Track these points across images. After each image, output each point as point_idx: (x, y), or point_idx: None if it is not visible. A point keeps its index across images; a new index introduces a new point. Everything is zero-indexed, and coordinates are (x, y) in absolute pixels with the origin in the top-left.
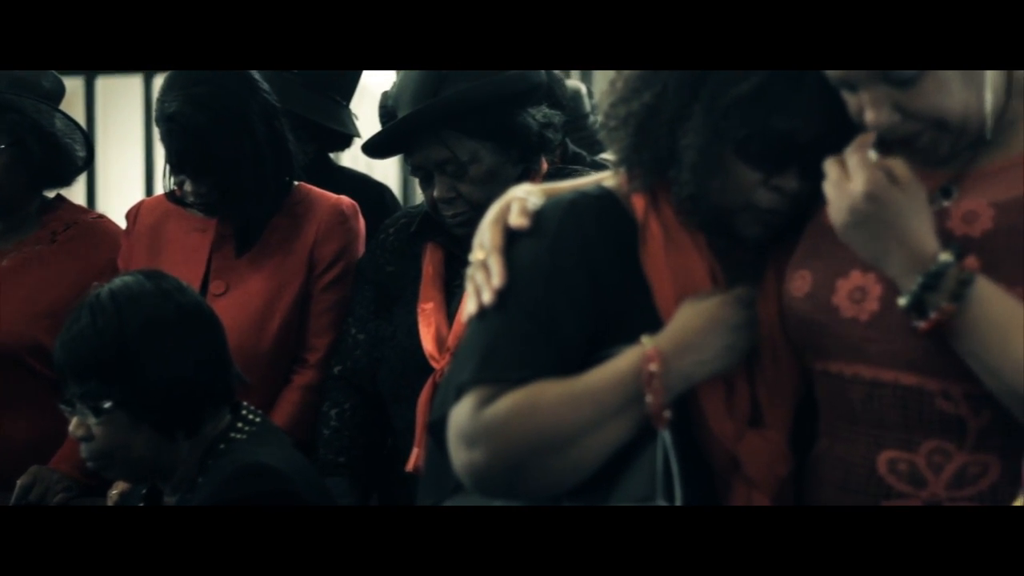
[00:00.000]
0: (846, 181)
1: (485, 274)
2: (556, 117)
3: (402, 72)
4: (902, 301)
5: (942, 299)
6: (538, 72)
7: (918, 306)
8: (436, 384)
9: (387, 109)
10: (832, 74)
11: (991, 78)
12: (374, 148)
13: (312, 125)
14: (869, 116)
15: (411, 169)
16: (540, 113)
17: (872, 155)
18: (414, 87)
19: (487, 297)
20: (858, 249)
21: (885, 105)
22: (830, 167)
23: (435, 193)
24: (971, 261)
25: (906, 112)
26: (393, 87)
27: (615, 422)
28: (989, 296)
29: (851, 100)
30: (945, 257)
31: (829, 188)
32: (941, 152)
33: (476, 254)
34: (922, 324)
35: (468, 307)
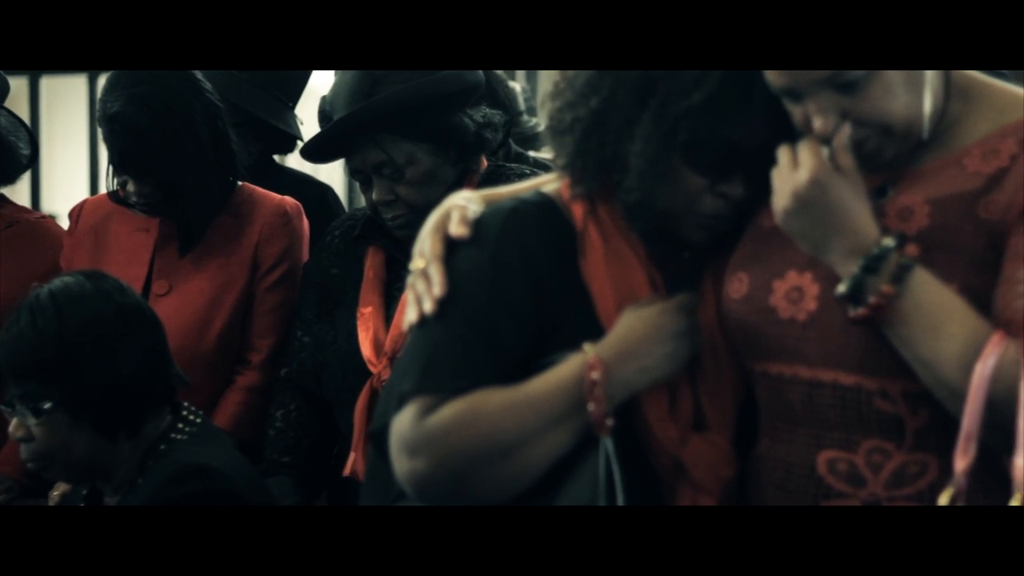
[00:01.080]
0: (794, 168)
1: (426, 283)
2: (496, 117)
3: (339, 75)
4: (841, 287)
5: (882, 282)
6: (475, 72)
7: (857, 291)
8: (373, 389)
9: (324, 113)
10: (776, 83)
11: (930, 81)
12: (312, 152)
13: (256, 125)
14: (816, 124)
15: (350, 172)
16: (479, 113)
17: (824, 150)
18: (348, 90)
19: (428, 306)
20: (799, 237)
21: (832, 112)
22: (783, 154)
23: (374, 196)
24: (911, 248)
25: (853, 118)
26: (329, 90)
27: (557, 430)
28: (926, 284)
29: (796, 111)
30: (887, 241)
31: (777, 175)
32: (886, 157)
33: (416, 263)
34: (859, 311)
35: (408, 316)
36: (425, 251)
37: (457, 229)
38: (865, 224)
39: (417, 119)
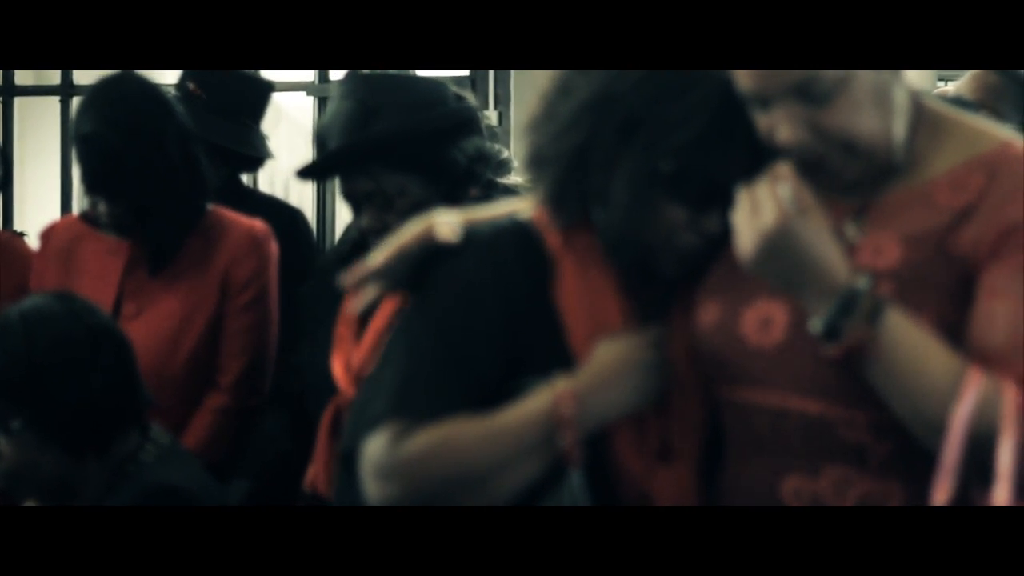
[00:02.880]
0: (756, 213)
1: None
2: (488, 148)
3: (335, 101)
4: (816, 326)
5: (856, 323)
6: (470, 107)
7: (832, 332)
8: (338, 407)
9: (320, 138)
10: (746, 89)
11: (899, 105)
12: (306, 174)
13: (223, 149)
14: (782, 134)
15: (343, 195)
16: (472, 146)
17: (783, 188)
18: (343, 119)
19: (354, 276)
20: (770, 280)
21: (798, 123)
22: (743, 198)
23: (363, 223)
24: (884, 285)
25: (818, 132)
26: (325, 114)
27: (528, 461)
28: (901, 322)
29: (762, 120)
30: (860, 282)
31: (739, 219)
32: (848, 177)
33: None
34: (834, 349)
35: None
36: (394, 240)
37: (450, 233)
38: (836, 264)
39: (410, 153)
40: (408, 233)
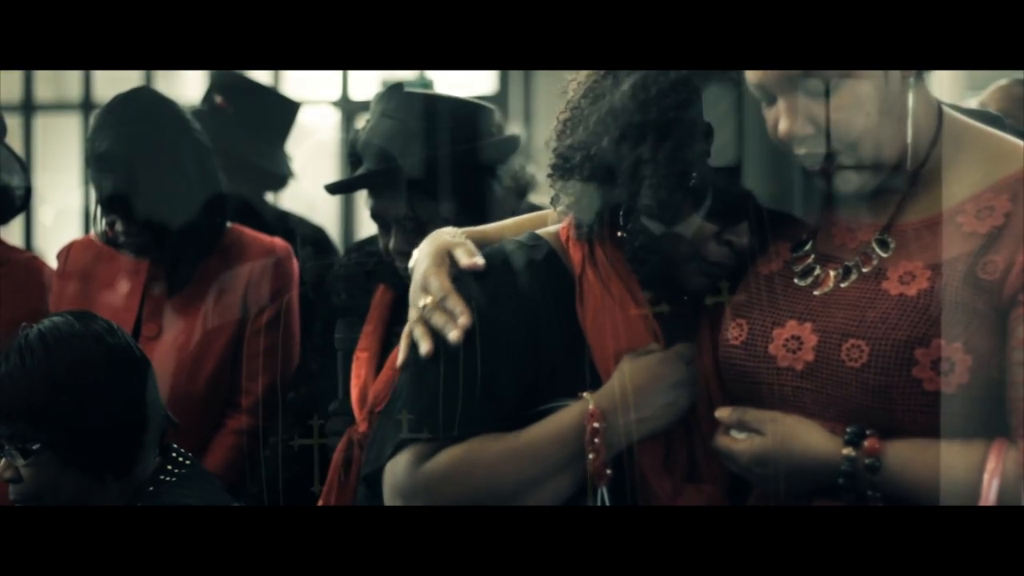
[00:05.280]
0: (746, 437)
1: (446, 315)
2: (525, 177)
3: (375, 117)
4: (848, 499)
5: (867, 488)
6: (513, 137)
7: (861, 498)
8: (350, 439)
9: (354, 151)
10: (752, 83)
11: (918, 115)
12: (336, 190)
13: (246, 165)
14: (782, 125)
15: (371, 215)
16: (509, 175)
17: (738, 435)
18: (384, 140)
19: (456, 334)
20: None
21: (799, 115)
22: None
23: (391, 245)
24: (871, 443)
25: (818, 126)
26: (363, 130)
27: (555, 480)
28: (900, 449)
29: (768, 114)
30: (847, 452)
31: (733, 444)
32: (856, 185)
33: (421, 301)
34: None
35: (421, 348)
36: (432, 288)
37: (470, 260)
38: (820, 452)
39: (447, 182)
40: (430, 269)
